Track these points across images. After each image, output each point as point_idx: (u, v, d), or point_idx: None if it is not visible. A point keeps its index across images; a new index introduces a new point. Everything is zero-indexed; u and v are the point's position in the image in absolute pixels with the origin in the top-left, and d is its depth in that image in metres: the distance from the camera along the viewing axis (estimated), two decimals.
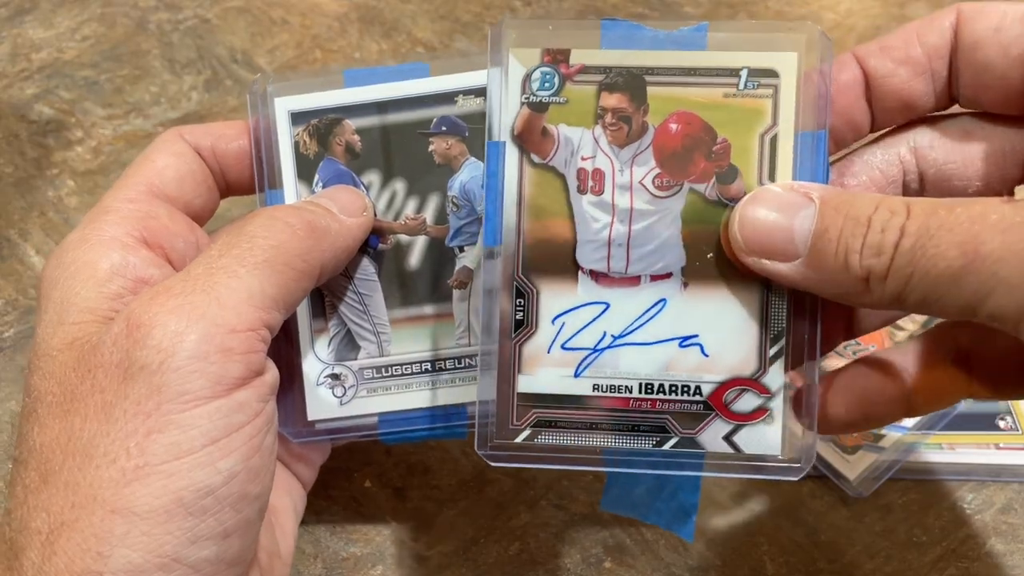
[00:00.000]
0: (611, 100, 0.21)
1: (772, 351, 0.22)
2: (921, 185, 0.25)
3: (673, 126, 0.21)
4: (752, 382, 0.22)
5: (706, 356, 0.22)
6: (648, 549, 0.32)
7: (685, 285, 0.22)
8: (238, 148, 0.28)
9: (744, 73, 0.22)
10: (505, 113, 0.22)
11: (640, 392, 0.22)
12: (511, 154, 0.22)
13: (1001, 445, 0.33)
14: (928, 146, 0.25)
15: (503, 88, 0.22)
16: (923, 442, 0.33)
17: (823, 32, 0.22)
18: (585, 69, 0.21)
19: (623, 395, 0.23)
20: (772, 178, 0.22)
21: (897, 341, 0.36)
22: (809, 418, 0.22)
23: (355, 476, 0.33)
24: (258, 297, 0.22)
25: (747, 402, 0.22)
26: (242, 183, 0.28)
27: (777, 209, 0.21)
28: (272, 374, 0.23)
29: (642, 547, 0.32)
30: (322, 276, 0.25)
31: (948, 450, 0.34)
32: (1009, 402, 0.35)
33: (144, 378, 0.21)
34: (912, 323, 0.37)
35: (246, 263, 0.22)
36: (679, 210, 0.22)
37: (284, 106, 0.26)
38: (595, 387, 0.22)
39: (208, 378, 0.21)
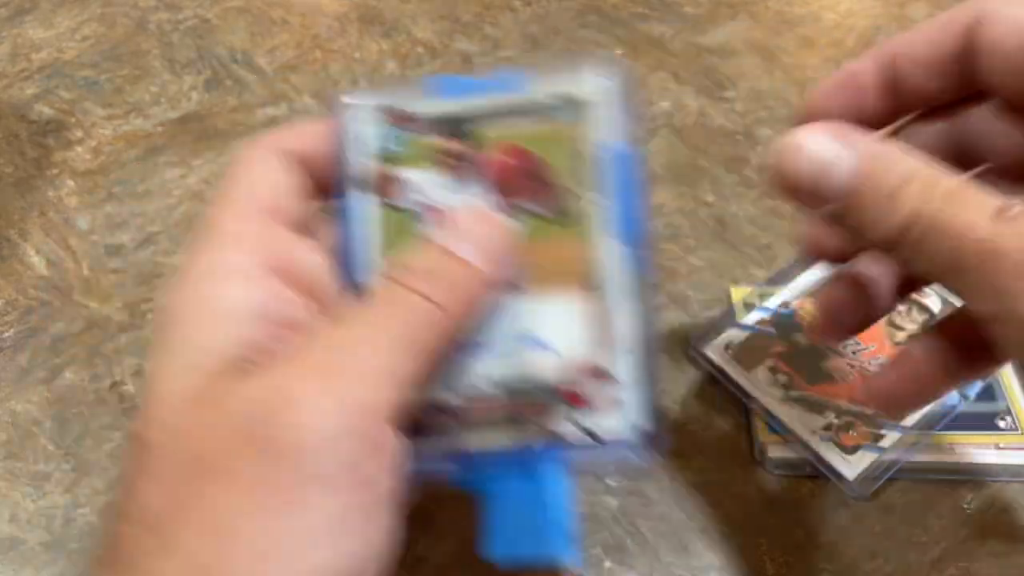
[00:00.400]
0: (443, 142, 0.25)
1: (619, 345, 0.24)
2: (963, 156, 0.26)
3: (499, 158, 0.24)
4: (600, 373, 0.24)
5: (555, 354, 0.23)
6: (649, 549, 0.32)
7: (530, 292, 0.24)
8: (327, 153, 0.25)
9: (555, 103, 0.24)
10: (355, 167, 0.25)
11: (496, 393, 0.24)
12: (365, 199, 0.24)
13: (1001, 445, 0.33)
14: (957, 135, 0.26)
15: (351, 148, 0.25)
16: (923, 442, 0.33)
17: (626, 65, 0.24)
18: (420, 120, 0.25)
19: (480, 398, 0.24)
20: (595, 191, 0.24)
21: (897, 341, 0.36)
22: (650, 405, 0.24)
23: None
24: (399, 376, 0.21)
25: (598, 392, 0.24)
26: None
27: (819, 159, 0.23)
28: (401, 446, 0.22)
29: (642, 547, 0.32)
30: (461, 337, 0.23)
31: (948, 450, 0.34)
32: (1008, 402, 0.35)
33: (285, 456, 0.20)
34: (911, 323, 0.37)
35: (396, 344, 0.21)
36: (517, 229, 0.24)
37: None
38: (456, 395, 0.24)
39: (345, 462, 0.20)
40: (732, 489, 0.33)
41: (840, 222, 0.23)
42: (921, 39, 0.26)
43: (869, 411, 0.34)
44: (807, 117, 0.27)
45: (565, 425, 0.23)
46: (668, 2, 0.50)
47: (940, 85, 0.26)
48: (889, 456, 0.33)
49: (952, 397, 0.34)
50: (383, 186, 0.24)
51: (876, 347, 0.36)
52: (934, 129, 0.27)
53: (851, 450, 0.33)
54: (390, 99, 0.25)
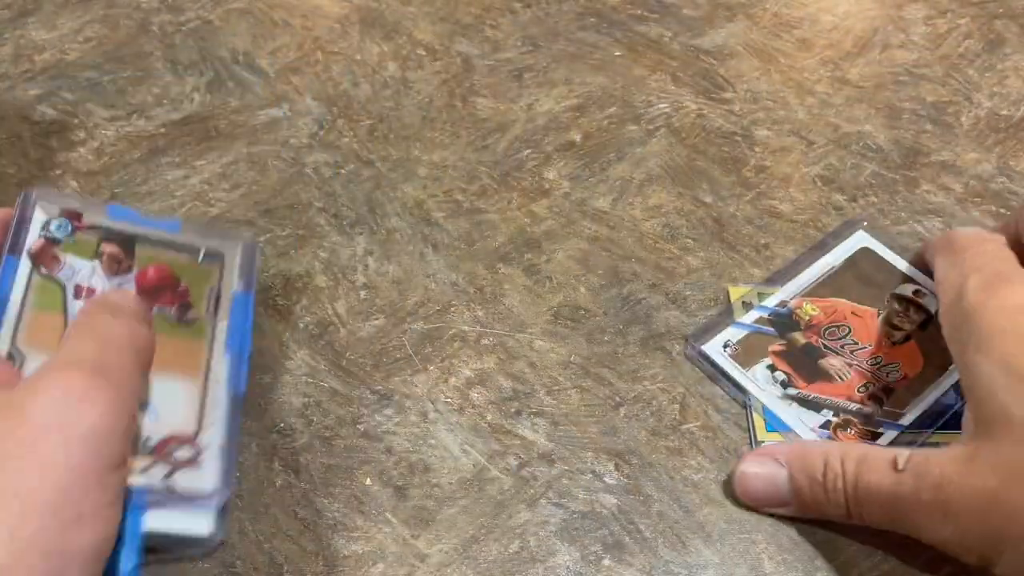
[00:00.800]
0: (109, 247, 0.33)
1: (208, 421, 0.31)
2: None
3: (151, 270, 0.33)
4: (188, 439, 0.30)
5: (156, 419, 0.30)
6: (647, 547, 0.32)
7: (154, 372, 0.30)
8: None
9: (202, 250, 0.34)
10: (27, 240, 0.32)
11: None
12: (25, 265, 0.31)
13: None
14: None
15: (29, 226, 0.32)
16: (920, 440, 0.34)
17: (255, 239, 0.38)
18: (93, 226, 0.33)
19: None
20: (216, 309, 0.34)
21: (894, 341, 0.36)
22: (228, 471, 0.30)
23: (356, 474, 0.33)
24: (140, 397, 0.28)
25: (183, 452, 0.30)
26: None
27: (764, 479, 0.32)
28: None
29: (641, 545, 0.32)
30: None
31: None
32: None
33: (85, 442, 0.24)
34: (909, 324, 0.37)
35: (138, 366, 0.27)
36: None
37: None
38: None
39: (123, 454, 0.25)
40: (730, 487, 0.33)
41: (800, 513, 0.32)
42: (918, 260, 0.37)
43: (867, 410, 0.34)
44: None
45: (151, 473, 0.29)
46: (667, 4, 0.50)
47: None
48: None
49: (950, 396, 0.35)
50: (44, 259, 0.32)
51: (873, 347, 0.36)
52: None
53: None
54: (75, 203, 0.33)
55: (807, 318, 0.37)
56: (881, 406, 0.35)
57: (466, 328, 0.37)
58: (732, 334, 0.37)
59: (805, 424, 0.34)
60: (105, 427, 0.24)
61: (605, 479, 0.34)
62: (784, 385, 0.35)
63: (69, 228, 0.33)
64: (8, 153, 0.43)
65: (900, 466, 0.28)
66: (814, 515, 0.31)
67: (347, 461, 0.34)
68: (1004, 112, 0.45)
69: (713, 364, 0.36)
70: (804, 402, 0.35)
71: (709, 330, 0.37)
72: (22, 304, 0.31)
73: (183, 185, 0.42)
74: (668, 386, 0.36)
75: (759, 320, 0.37)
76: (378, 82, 0.46)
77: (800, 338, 0.36)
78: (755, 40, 0.48)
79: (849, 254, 0.39)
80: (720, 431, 0.35)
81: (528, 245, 0.40)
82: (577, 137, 0.44)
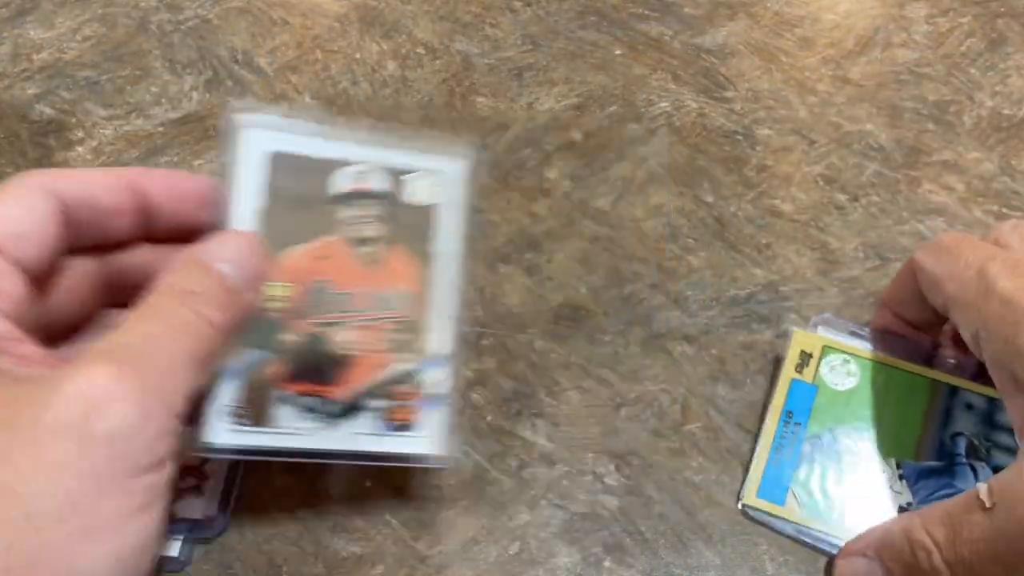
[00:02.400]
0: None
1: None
2: None
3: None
4: (195, 469, 0.31)
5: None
6: (648, 548, 0.32)
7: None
8: (112, 203, 0.27)
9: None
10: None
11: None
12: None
13: None
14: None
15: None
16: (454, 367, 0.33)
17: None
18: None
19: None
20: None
21: (368, 262, 0.30)
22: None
23: (356, 476, 0.33)
24: (190, 391, 0.24)
25: (187, 482, 0.30)
26: (112, 234, 0.28)
27: (858, 574, 0.29)
28: (181, 440, 0.25)
29: (642, 546, 0.32)
30: None
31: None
32: None
33: (106, 444, 0.22)
34: (373, 231, 0.30)
35: (186, 357, 0.24)
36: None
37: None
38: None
39: (155, 456, 0.23)
40: (731, 488, 0.33)
41: None
42: (896, 289, 0.35)
43: (404, 367, 0.29)
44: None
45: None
46: (667, 3, 0.50)
47: (926, 317, 0.34)
48: (444, 394, 0.29)
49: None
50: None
51: (361, 285, 0.29)
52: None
53: (410, 423, 0.29)
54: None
55: (280, 305, 0.28)
56: (409, 349, 0.29)
57: (466, 328, 0.37)
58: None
59: (360, 432, 0.29)
60: (130, 427, 0.22)
61: (606, 480, 0.33)
62: (312, 410, 0.29)
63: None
64: (6, 152, 0.43)
65: (988, 503, 0.25)
66: None
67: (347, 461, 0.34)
68: (1006, 111, 0.45)
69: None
70: (344, 413, 0.29)
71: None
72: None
73: None
74: (669, 387, 0.36)
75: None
76: (377, 81, 0.46)
77: (291, 338, 0.28)
78: (756, 39, 0.48)
79: (259, 176, 0.28)
80: (722, 432, 0.35)
81: (528, 245, 0.40)
82: (577, 136, 0.44)
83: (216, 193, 0.28)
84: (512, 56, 0.47)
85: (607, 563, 0.31)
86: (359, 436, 0.29)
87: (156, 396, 0.23)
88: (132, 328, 0.24)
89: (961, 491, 0.28)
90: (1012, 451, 0.32)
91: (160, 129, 0.44)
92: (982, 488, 0.26)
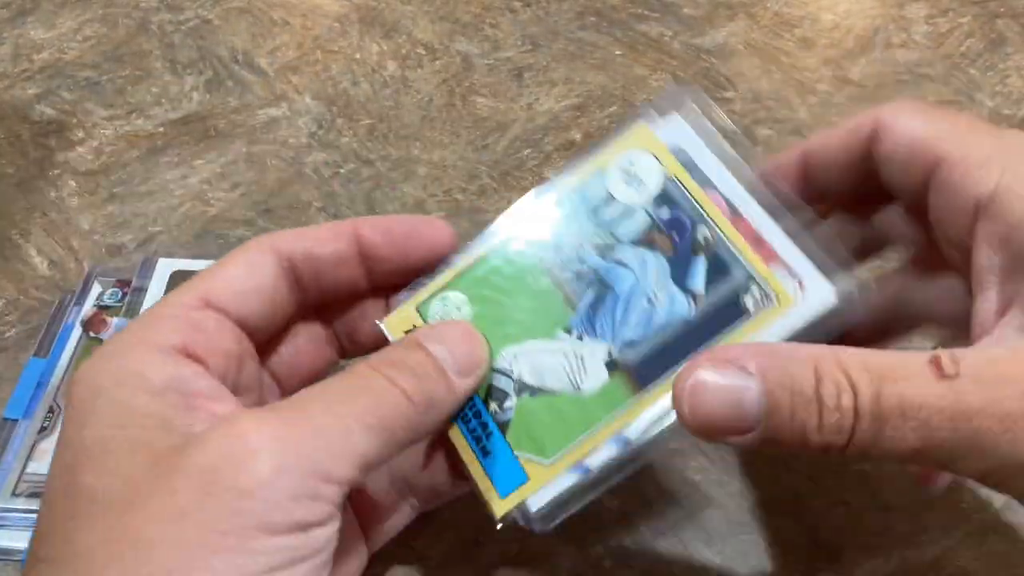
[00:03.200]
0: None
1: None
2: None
3: None
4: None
5: None
6: (648, 549, 0.32)
7: None
8: (333, 252, 0.26)
9: None
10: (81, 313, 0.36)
11: None
12: (76, 332, 0.36)
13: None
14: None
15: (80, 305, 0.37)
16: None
17: None
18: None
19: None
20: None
21: None
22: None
23: None
24: (360, 457, 0.22)
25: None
26: (339, 288, 0.27)
27: (722, 393, 0.22)
28: (339, 521, 0.23)
29: (642, 546, 0.32)
30: (418, 441, 0.25)
31: None
32: (742, 257, 0.28)
33: (231, 498, 0.20)
34: None
35: (359, 419, 0.22)
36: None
37: None
38: None
39: (292, 517, 0.21)
40: (732, 488, 0.33)
41: (768, 444, 0.22)
42: (832, 143, 0.27)
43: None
44: None
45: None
46: (667, 3, 0.50)
47: (851, 185, 0.28)
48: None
49: (679, 307, 0.25)
50: (95, 325, 0.37)
51: None
52: (852, 221, 0.29)
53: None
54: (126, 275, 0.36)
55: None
56: None
57: None
58: None
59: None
60: (259, 481, 0.20)
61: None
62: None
63: (119, 295, 0.37)
64: (7, 153, 0.43)
65: (949, 371, 0.21)
66: (788, 446, 0.22)
67: None
68: (1006, 112, 0.45)
69: None
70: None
71: None
72: (67, 367, 0.35)
73: (182, 185, 0.42)
74: None
75: None
76: (378, 81, 0.46)
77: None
78: (756, 39, 0.48)
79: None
80: None
81: None
82: (577, 136, 0.44)
83: (441, 232, 0.27)
84: (512, 56, 0.47)
85: (607, 563, 0.31)
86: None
87: (302, 453, 0.21)
88: (312, 392, 0.23)
89: (621, 295, 0.25)
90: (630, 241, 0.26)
91: (161, 129, 0.44)
92: (944, 354, 0.21)
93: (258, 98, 0.45)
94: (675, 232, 0.25)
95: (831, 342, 0.23)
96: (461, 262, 0.27)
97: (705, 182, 0.25)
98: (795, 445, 0.22)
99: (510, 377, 0.26)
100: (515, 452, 0.25)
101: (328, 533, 0.22)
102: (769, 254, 0.24)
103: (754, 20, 0.49)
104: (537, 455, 0.25)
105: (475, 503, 0.33)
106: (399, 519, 0.29)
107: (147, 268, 0.38)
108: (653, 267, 0.25)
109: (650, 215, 0.26)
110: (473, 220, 0.41)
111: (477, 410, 0.26)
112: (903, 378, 0.21)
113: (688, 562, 0.32)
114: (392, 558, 0.31)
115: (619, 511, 0.33)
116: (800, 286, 0.24)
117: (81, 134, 0.44)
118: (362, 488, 0.27)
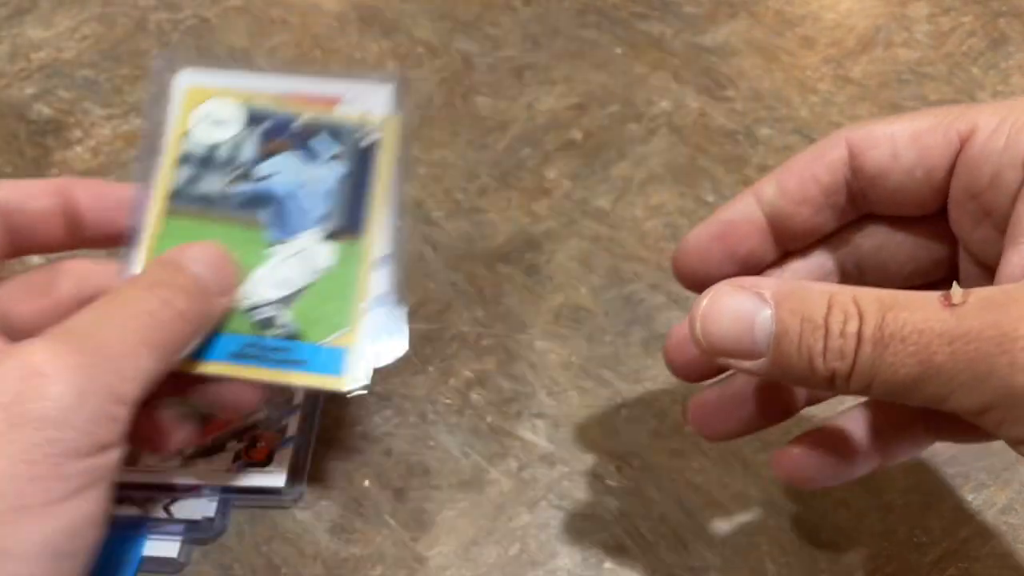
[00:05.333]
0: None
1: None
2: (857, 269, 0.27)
3: None
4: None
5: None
6: (648, 550, 0.32)
7: None
8: (42, 207, 0.28)
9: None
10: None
11: None
12: None
13: None
14: (850, 253, 0.27)
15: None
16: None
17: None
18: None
19: None
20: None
21: None
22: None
23: (354, 476, 0.33)
24: (146, 377, 0.24)
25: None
26: (49, 243, 0.29)
27: (734, 314, 0.23)
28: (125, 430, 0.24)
29: (642, 548, 0.32)
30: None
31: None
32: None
33: (37, 427, 0.21)
34: None
35: (145, 341, 0.24)
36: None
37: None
38: None
39: (95, 440, 0.22)
40: (732, 489, 0.33)
41: (774, 373, 0.23)
42: (799, 177, 0.26)
43: (262, 413, 0.33)
44: (681, 273, 0.28)
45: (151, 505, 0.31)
46: (668, 2, 0.50)
47: (827, 217, 0.26)
48: (302, 439, 0.33)
49: (334, 170, 0.29)
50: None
51: None
52: (816, 260, 0.28)
53: (266, 461, 0.32)
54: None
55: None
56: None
57: (466, 328, 0.37)
58: None
59: (217, 472, 0.32)
60: (64, 408, 0.21)
61: (606, 481, 0.33)
62: (181, 452, 0.33)
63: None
64: (4, 152, 0.43)
65: (957, 299, 0.21)
66: (790, 374, 0.23)
67: (346, 463, 0.33)
68: None
69: None
70: (204, 453, 0.33)
71: None
72: None
73: None
74: (670, 387, 0.36)
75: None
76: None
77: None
78: (757, 38, 0.48)
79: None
80: None
81: (528, 245, 0.40)
82: (578, 136, 0.44)
83: (136, 196, 0.29)
84: (512, 55, 0.47)
85: (607, 564, 0.31)
86: (216, 472, 0.32)
87: (98, 378, 0.22)
88: (88, 311, 0.24)
89: (285, 196, 0.29)
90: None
91: None
92: (955, 288, 0.22)
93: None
94: (282, 133, 0.29)
95: None
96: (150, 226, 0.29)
97: (265, 89, 0.30)
98: (802, 374, 0.22)
99: (266, 305, 0.28)
100: (321, 344, 0.28)
101: (120, 452, 0.23)
102: (333, 101, 0.30)
103: (755, 19, 0.49)
104: (338, 330, 0.28)
105: (474, 504, 0.33)
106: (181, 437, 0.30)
107: None
108: (288, 163, 0.29)
109: (254, 134, 0.29)
110: (473, 220, 0.41)
111: (255, 344, 0.28)
112: (909, 308, 0.21)
113: (689, 563, 0.31)
114: (392, 558, 0.31)
115: (619, 512, 0.32)
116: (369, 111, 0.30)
117: (79, 133, 0.43)
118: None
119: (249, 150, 0.29)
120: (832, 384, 0.22)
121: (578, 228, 0.41)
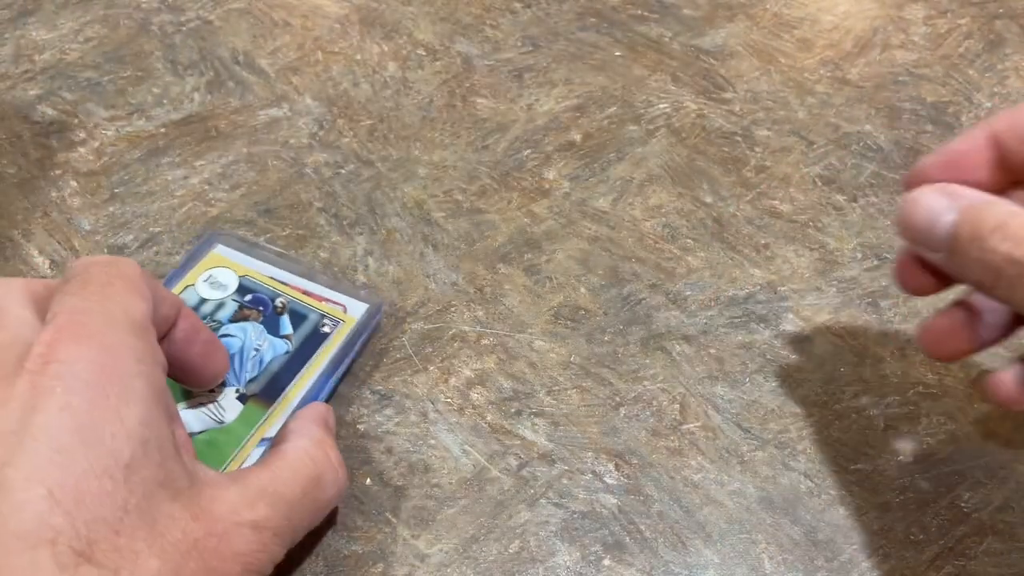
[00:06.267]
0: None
1: None
2: None
3: None
4: None
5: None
6: (647, 547, 0.32)
7: None
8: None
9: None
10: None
11: None
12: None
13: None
14: None
15: None
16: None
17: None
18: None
19: None
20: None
21: None
22: None
23: (356, 474, 0.33)
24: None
25: None
26: None
27: (927, 211, 0.27)
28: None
29: (641, 545, 0.32)
30: None
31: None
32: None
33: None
34: None
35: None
36: None
37: None
38: None
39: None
40: (730, 487, 0.33)
41: (952, 269, 0.27)
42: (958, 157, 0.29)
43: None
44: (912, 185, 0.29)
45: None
46: (667, 4, 0.50)
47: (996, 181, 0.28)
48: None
49: (280, 347, 0.35)
50: None
51: None
52: None
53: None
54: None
55: None
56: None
57: (466, 328, 0.37)
58: None
59: None
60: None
61: (605, 479, 0.33)
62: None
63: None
64: (8, 153, 0.43)
65: None
66: (961, 275, 0.26)
67: (347, 461, 0.34)
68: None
69: None
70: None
71: None
72: None
73: (183, 185, 0.42)
74: (668, 386, 0.36)
75: None
76: (378, 82, 0.46)
77: None
78: (755, 40, 0.48)
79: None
80: (720, 431, 0.35)
81: (528, 245, 0.40)
82: (577, 137, 0.44)
83: None
84: (512, 57, 0.48)
85: (606, 561, 0.32)
86: None
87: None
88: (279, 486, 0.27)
89: (235, 354, 0.34)
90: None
91: (162, 130, 0.44)
92: None
93: (259, 99, 0.45)
94: (260, 306, 0.36)
95: None
96: None
97: (265, 271, 0.37)
98: (960, 269, 0.26)
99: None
100: None
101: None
102: (319, 299, 0.36)
103: (753, 21, 0.49)
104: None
105: (475, 502, 0.33)
106: None
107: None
108: (252, 331, 0.35)
109: (237, 302, 0.36)
110: (473, 220, 0.41)
111: None
112: None
113: (687, 561, 0.32)
114: (392, 558, 0.32)
115: (618, 510, 0.33)
116: (344, 309, 0.36)
117: (82, 135, 0.44)
118: None
119: (228, 311, 0.36)
120: (985, 287, 0.25)
121: (577, 228, 0.41)
